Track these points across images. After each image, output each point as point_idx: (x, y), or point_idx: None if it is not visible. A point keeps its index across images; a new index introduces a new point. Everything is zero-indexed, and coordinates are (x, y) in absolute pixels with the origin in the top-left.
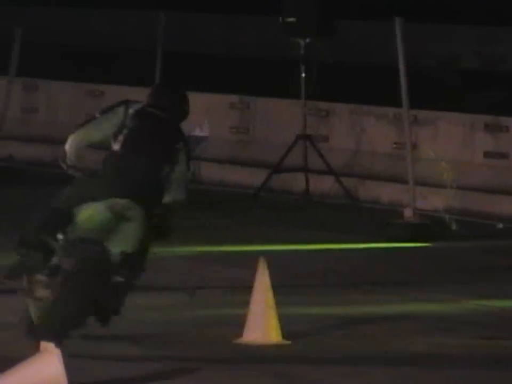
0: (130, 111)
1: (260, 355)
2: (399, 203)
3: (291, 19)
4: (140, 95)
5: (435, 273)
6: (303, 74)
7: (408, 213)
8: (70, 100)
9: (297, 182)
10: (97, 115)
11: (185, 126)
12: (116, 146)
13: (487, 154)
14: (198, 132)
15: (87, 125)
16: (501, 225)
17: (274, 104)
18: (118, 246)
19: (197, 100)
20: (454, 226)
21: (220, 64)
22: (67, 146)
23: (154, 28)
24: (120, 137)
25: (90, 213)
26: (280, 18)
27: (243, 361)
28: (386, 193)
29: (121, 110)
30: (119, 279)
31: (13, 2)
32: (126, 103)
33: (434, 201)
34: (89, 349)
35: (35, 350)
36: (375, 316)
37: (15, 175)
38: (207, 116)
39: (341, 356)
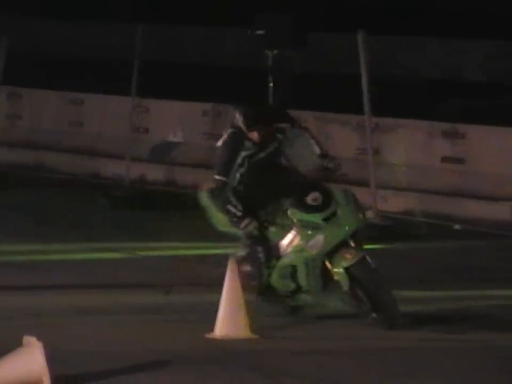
0: None
1: (231, 349)
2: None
3: (260, 31)
4: (119, 103)
5: (397, 273)
6: (271, 84)
7: (370, 215)
8: (53, 108)
9: None
10: None
11: (161, 132)
12: None
13: (444, 159)
14: (172, 138)
15: None
16: (457, 227)
17: None
18: None
19: (172, 108)
20: (414, 228)
21: (194, 74)
22: None
23: (133, 39)
24: None
25: None
26: (250, 30)
27: (216, 355)
28: None
29: None
30: None
31: None
32: None
33: (395, 204)
34: (71, 343)
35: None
36: (342, 313)
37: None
38: (182, 122)
39: (311, 348)
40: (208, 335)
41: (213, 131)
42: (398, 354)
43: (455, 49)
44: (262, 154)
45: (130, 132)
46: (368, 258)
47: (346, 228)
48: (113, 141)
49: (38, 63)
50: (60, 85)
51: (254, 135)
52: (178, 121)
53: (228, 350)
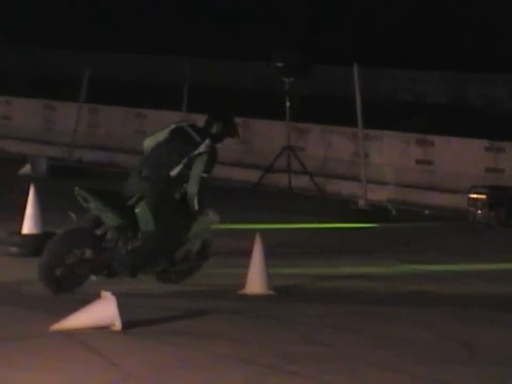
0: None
1: (258, 302)
2: (355, 195)
3: (280, 64)
4: (172, 117)
5: (380, 245)
6: (288, 104)
7: (362, 202)
8: (122, 119)
9: (282, 179)
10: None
11: None
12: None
13: (418, 162)
14: None
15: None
16: (427, 212)
17: (267, 124)
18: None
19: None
20: (394, 212)
21: (228, 96)
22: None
23: (182, 68)
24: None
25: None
26: (272, 64)
27: (246, 307)
28: (346, 188)
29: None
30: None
31: (82, 48)
32: (177, 123)
33: (381, 195)
34: (134, 299)
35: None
36: (337, 275)
37: None
38: None
39: (319, 303)
40: (239, 292)
41: (243, 138)
42: (380, 302)
43: (421, 78)
44: None
45: None
46: None
47: None
48: None
49: (112, 86)
50: (127, 102)
51: None
52: None
53: (255, 303)
